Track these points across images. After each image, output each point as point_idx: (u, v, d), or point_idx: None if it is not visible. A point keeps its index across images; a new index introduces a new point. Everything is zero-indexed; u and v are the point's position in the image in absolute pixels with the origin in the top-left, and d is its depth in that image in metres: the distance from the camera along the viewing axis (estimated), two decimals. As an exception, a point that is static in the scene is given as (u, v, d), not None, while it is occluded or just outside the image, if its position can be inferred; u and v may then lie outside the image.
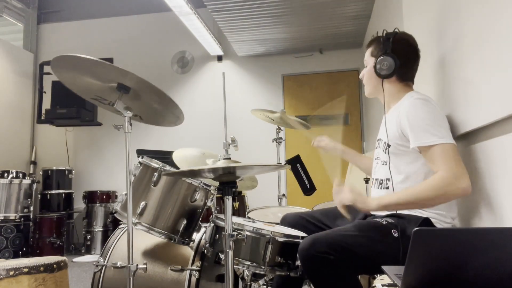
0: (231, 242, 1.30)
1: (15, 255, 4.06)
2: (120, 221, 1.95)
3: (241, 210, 3.67)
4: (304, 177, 2.62)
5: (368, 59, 1.61)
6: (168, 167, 1.77)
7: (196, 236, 1.83)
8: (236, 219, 1.67)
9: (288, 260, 1.50)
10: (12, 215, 4.11)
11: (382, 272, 1.02)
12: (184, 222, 1.73)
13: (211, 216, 1.67)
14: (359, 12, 4.09)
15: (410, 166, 1.44)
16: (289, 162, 2.67)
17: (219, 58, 5.47)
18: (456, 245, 0.75)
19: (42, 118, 5.12)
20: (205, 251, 1.65)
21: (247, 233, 1.48)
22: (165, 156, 3.21)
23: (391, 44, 1.50)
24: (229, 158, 1.42)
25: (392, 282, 0.94)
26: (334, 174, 1.61)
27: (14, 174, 4.16)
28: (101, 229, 4.72)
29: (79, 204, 5.05)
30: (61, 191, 4.91)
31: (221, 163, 1.31)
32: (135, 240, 1.70)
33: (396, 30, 1.56)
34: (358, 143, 5.05)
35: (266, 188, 4.10)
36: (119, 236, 1.90)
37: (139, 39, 5.64)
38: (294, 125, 2.94)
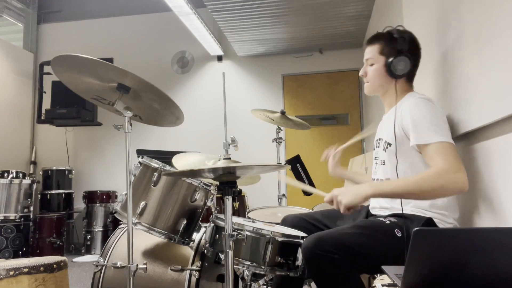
0: (231, 242, 1.30)
1: (15, 255, 4.05)
2: (120, 221, 1.95)
3: (241, 210, 3.68)
4: (304, 177, 2.63)
5: (375, 57, 1.56)
6: (168, 167, 1.77)
7: (196, 236, 1.83)
8: (236, 219, 1.67)
9: (288, 260, 1.50)
10: (12, 215, 4.10)
11: (382, 272, 1.02)
12: (184, 222, 1.73)
13: (211, 216, 1.66)
14: (359, 12, 4.08)
15: (410, 166, 1.44)
16: (289, 162, 2.67)
17: (219, 58, 5.47)
18: (456, 245, 0.75)
19: (42, 118, 5.12)
20: (205, 251, 1.65)
21: (247, 233, 1.48)
22: (165, 156, 3.21)
23: (407, 44, 1.49)
24: (229, 158, 1.42)
25: (392, 282, 0.94)
26: (318, 191, 1.61)
27: (14, 174, 4.16)
28: (101, 229, 4.72)
29: (79, 204, 5.05)
30: (61, 191, 4.91)
31: (221, 163, 1.31)
32: (135, 240, 1.70)
33: (400, 27, 1.54)
34: (358, 143, 5.04)
35: (266, 188, 4.11)
36: (119, 236, 1.90)
37: (139, 39, 5.64)
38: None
